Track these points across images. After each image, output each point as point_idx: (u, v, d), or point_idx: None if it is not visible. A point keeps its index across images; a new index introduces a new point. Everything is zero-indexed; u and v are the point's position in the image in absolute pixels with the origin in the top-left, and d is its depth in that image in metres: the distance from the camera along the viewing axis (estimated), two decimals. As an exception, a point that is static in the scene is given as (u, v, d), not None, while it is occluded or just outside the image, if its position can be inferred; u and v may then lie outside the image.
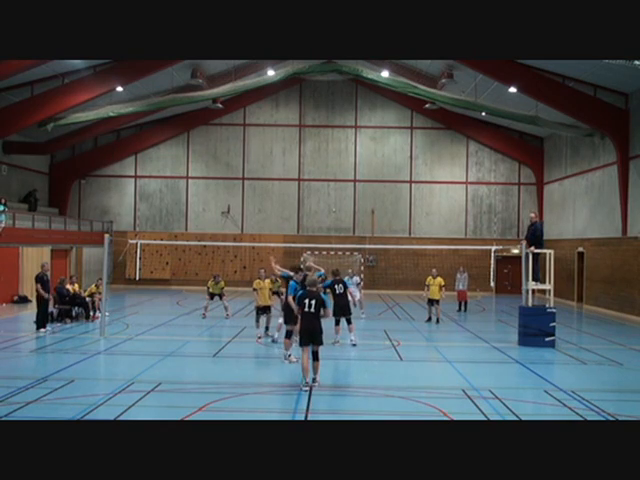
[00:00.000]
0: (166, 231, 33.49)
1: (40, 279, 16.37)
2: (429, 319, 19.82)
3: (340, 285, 14.78)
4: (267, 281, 15.66)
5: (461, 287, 23.12)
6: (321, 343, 10.29)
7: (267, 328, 15.84)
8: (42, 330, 16.15)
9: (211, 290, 20.47)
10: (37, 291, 16.39)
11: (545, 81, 23.24)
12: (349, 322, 14.85)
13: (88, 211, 33.73)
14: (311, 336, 10.14)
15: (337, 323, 14.89)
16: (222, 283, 20.61)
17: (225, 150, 34.05)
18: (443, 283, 19.58)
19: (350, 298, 15.49)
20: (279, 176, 33.85)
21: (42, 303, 16.32)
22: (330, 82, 33.14)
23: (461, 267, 23.85)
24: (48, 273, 17.12)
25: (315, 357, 10.24)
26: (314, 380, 10.21)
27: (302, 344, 10.23)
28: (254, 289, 15.40)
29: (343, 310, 14.72)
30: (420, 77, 27.31)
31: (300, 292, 10.61)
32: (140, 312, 22.18)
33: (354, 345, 14.68)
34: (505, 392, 10.18)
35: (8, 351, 13.68)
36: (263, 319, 15.70)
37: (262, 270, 16.08)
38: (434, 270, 20.22)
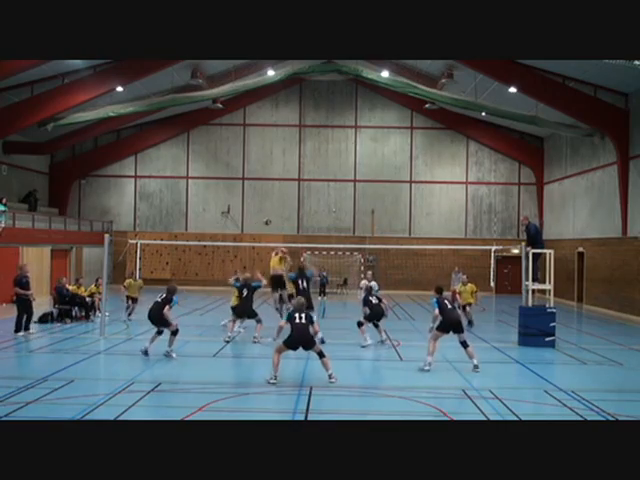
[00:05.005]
0: (166, 231, 33.49)
1: (18, 282, 15.58)
2: (470, 323, 18.56)
3: (374, 297, 15.18)
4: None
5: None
6: (314, 344, 10.78)
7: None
8: (20, 334, 15.41)
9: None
10: (16, 294, 15.66)
11: (545, 81, 23.23)
12: (377, 326, 15.22)
13: (88, 211, 33.72)
14: (303, 343, 10.68)
15: (360, 325, 14.98)
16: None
17: (225, 150, 34.05)
18: (475, 289, 18.81)
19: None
20: (279, 176, 33.85)
21: (23, 306, 15.52)
22: (330, 82, 33.12)
23: (456, 267, 23.54)
24: (29, 274, 16.28)
25: (321, 355, 10.70)
26: (330, 376, 10.63)
27: (289, 346, 10.70)
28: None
29: (378, 316, 15.00)
30: (420, 77, 27.30)
31: (290, 310, 11.36)
32: (140, 312, 22.13)
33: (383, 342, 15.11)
34: (505, 392, 10.17)
35: (8, 351, 13.67)
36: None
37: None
38: (465, 277, 19.45)
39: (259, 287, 15.60)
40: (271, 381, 10.49)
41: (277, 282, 17.27)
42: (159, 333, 12.70)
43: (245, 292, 15.26)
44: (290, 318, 10.93)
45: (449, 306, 12.10)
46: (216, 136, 34.06)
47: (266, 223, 33.54)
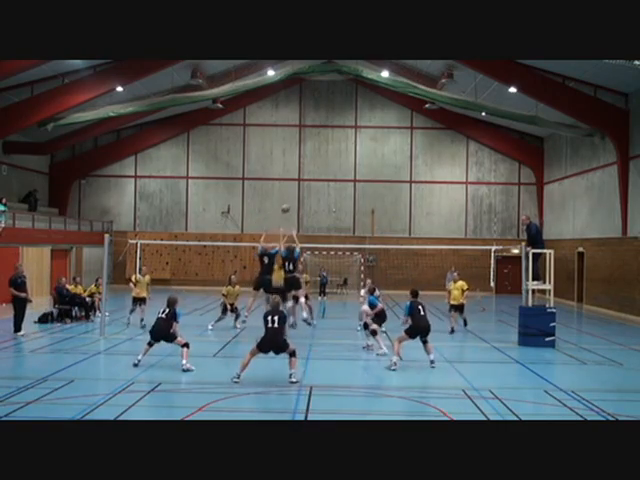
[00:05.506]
0: (166, 231, 33.49)
1: (13, 282, 15.49)
2: (452, 330, 17.53)
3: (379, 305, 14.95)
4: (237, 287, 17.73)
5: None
6: (286, 348, 10.65)
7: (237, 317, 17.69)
8: (20, 333, 15.36)
9: (228, 299, 17.62)
10: (13, 295, 15.53)
11: (545, 81, 23.24)
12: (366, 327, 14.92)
13: (88, 211, 33.72)
14: (274, 348, 10.62)
15: (374, 334, 14.56)
16: (237, 288, 17.83)
17: (225, 150, 34.05)
18: (466, 287, 17.76)
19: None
20: (279, 176, 33.85)
21: (19, 306, 15.46)
22: (330, 82, 33.12)
23: (452, 267, 23.42)
24: (25, 275, 16.16)
25: (292, 355, 10.71)
26: (290, 376, 10.60)
27: (261, 350, 10.63)
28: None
29: (383, 320, 14.62)
30: (420, 77, 27.30)
31: (266, 311, 11.28)
32: (140, 312, 22.12)
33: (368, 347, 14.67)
34: (505, 392, 10.17)
35: (8, 351, 13.67)
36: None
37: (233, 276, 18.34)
38: (455, 274, 18.77)
39: (277, 252, 15.25)
40: (234, 380, 10.51)
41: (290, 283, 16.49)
42: (151, 344, 11.86)
43: (266, 260, 15.05)
44: (264, 321, 10.71)
45: (421, 312, 12.04)
46: (216, 136, 34.06)
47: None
